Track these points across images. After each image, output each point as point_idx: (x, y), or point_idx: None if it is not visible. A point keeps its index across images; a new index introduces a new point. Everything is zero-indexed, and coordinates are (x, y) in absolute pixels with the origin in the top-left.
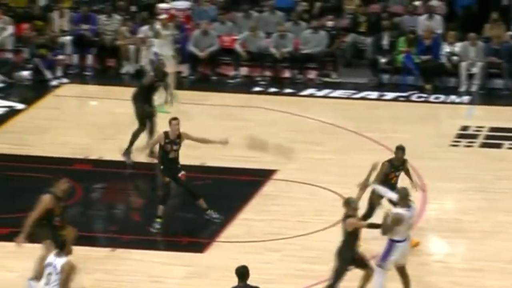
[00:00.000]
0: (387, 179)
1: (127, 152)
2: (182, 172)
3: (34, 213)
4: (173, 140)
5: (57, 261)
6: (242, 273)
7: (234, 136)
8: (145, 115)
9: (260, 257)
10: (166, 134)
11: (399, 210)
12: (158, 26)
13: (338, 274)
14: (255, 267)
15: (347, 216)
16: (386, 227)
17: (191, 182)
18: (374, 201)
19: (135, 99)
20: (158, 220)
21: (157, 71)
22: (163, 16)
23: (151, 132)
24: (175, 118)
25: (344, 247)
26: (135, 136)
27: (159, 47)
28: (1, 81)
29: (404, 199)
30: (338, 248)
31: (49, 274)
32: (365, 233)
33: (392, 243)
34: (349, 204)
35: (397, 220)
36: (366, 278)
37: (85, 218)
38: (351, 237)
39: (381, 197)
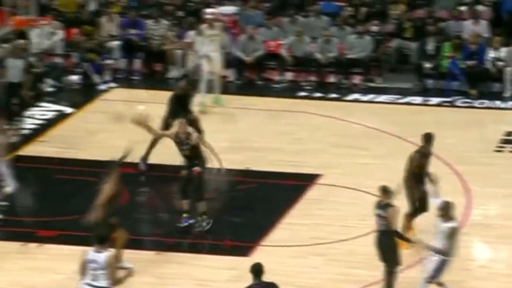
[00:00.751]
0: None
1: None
2: (196, 168)
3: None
4: (182, 140)
5: (100, 257)
6: (257, 270)
7: (279, 140)
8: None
9: (304, 261)
10: (177, 134)
11: (454, 224)
12: (203, 25)
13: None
14: (299, 271)
15: (386, 205)
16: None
17: (203, 181)
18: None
19: (168, 105)
20: (204, 216)
21: (190, 78)
22: (210, 16)
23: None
24: (181, 120)
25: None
26: (152, 143)
27: (199, 45)
28: (51, 85)
29: (447, 212)
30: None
31: (94, 270)
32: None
33: (444, 261)
34: (388, 192)
35: (454, 234)
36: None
37: (131, 221)
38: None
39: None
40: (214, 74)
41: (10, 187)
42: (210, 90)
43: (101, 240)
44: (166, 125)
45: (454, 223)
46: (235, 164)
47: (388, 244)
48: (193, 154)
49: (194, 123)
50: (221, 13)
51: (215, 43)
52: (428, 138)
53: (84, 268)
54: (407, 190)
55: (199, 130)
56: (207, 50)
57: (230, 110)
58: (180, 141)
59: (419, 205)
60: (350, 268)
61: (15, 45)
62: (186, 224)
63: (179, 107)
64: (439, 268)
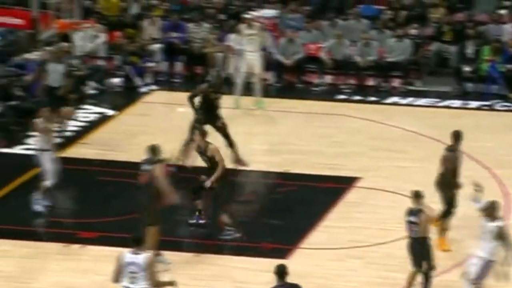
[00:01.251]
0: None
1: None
2: (203, 177)
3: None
4: (201, 151)
5: (138, 258)
6: (281, 271)
7: (318, 143)
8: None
9: (343, 264)
10: (198, 145)
11: (500, 223)
12: (242, 24)
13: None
14: (337, 274)
15: (419, 211)
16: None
17: (222, 193)
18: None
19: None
20: (228, 228)
21: (215, 80)
22: (249, 16)
23: (231, 145)
24: (201, 130)
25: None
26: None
27: (234, 43)
28: (93, 88)
29: (492, 212)
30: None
31: (133, 273)
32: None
33: (490, 262)
34: (420, 197)
35: (502, 233)
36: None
37: (171, 223)
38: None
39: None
40: (254, 75)
41: (49, 181)
42: (249, 91)
43: (138, 242)
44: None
45: (500, 222)
46: (274, 166)
47: (422, 250)
48: (211, 165)
49: (221, 130)
50: (261, 16)
51: (254, 43)
52: (457, 136)
53: (119, 271)
54: (440, 191)
55: (227, 137)
56: (245, 50)
57: (270, 113)
58: (200, 151)
59: (449, 205)
60: (388, 271)
61: (56, 49)
62: (195, 221)
63: (207, 112)
64: (484, 271)
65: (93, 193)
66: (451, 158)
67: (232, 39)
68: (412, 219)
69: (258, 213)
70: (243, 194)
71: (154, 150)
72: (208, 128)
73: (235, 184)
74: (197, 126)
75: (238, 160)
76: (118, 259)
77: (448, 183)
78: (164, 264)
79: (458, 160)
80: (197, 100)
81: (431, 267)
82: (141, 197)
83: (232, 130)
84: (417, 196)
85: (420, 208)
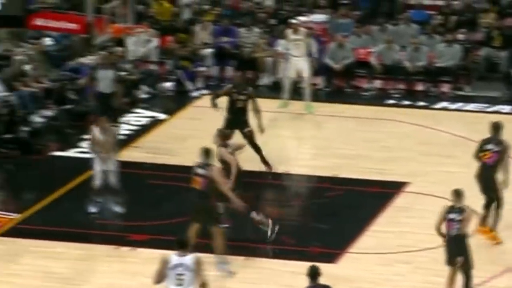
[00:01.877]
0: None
1: None
2: None
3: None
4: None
5: (185, 260)
6: (314, 272)
7: (367, 148)
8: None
9: (391, 269)
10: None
11: None
12: (288, 30)
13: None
14: (385, 278)
15: (461, 208)
16: None
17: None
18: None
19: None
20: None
21: (236, 82)
22: (295, 21)
23: (257, 151)
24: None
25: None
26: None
27: (282, 48)
28: (146, 92)
29: None
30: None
31: (180, 274)
32: None
33: None
34: (461, 195)
35: None
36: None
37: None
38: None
39: None
40: (302, 80)
41: (97, 182)
42: (298, 96)
43: (183, 244)
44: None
45: None
46: (322, 170)
47: (460, 248)
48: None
49: (247, 137)
50: (311, 21)
51: (299, 48)
52: (496, 127)
53: (162, 273)
54: (483, 183)
55: (253, 145)
56: (291, 55)
57: (318, 117)
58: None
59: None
60: (436, 276)
61: (104, 55)
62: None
63: (233, 115)
64: None
65: (144, 196)
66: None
67: (280, 44)
68: (455, 216)
69: (306, 217)
70: (291, 198)
71: (207, 153)
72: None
73: (282, 188)
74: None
75: (265, 163)
76: (163, 261)
77: (491, 177)
78: (226, 269)
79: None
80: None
81: (470, 266)
82: (198, 201)
83: (280, 134)
84: (459, 194)
85: (462, 206)
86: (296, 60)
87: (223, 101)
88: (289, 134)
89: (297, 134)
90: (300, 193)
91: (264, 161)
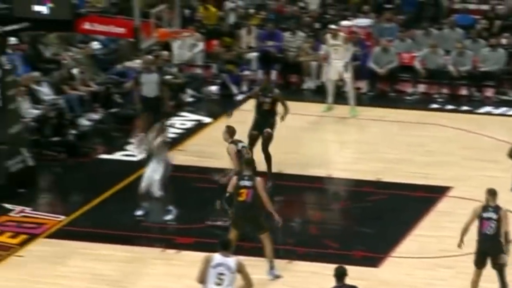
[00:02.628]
0: None
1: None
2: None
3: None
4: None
5: (228, 261)
6: (341, 273)
7: (410, 152)
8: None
9: (433, 273)
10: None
11: None
12: (327, 34)
13: None
14: (427, 283)
15: (497, 207)
16: None
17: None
18: None
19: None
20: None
21: (263, 84)
22: (334, 26)
23: (266, 158)
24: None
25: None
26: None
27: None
28: (191, 95)
29: None
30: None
31: (221, 274)
32: None
33: None
34: (496, 194)
35: None
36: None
37: None
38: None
39: None
40: (344, 83)
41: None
42: (342, 99)
43: (226, 246)
44: (251, 138)
45: None
46: (365, 175)
47: (494, 247)
48: None
49: (264, 139)
50: (355, 25)
51: (338, 53)
52: None
53: (205, 272)
54: None
55: (266, 151)
56: (332, 59)
57: (362, 121)
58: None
59: None
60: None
61: (148, 59)
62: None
63: (261, 116)
64: None
65: (190, 199)
66: None
67: (323, 48)
68: (491, 215)
69: (349, 221)
70: (334, 202)
71: (250, 164)
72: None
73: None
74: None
75: (268, 173)
76: (205, 260)
77: None
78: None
79: None
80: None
81: (504, 264)
82: (244, 213)
83: (324, 138)
84: (493, 193)
85: (497, 205)
86: (336, 63)
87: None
88: (332, 138)
89: (340, 138)
90: (343, 197)
91: (269, 171)
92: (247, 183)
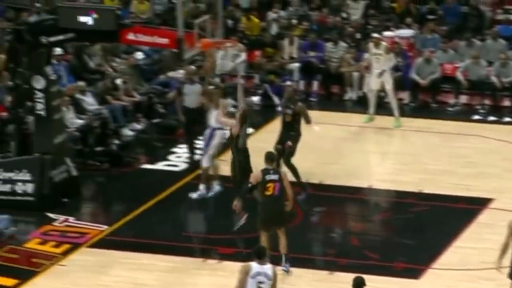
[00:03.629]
0: None
1: None
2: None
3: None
4: None
5: (265, 268)
6: (358, 283)
7: (452, 163)
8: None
9: (474, 285)
10: None
11: None
12: (369, 43)
13: None
14: None
15: None
16: None
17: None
18: None
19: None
20: None
21: (286, 96)
22: (376, 35)
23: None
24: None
25: None
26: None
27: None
28: (233, 106)
29: None
30: None
31: (261, 283)
32: None
33: None
34: None
35: None
36: None
37: (305, 241)
38: None
39: None
40: (387, 94)
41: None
42: (384, 110)
43: (261, 254)
44: (277, 152)
45: None
46: (407, 186)
47: None
48: None
49: (287, 154)
50: (398, 36)
51: (380, 62)
52: None
53: (244, 282)
54: None
55: (288, 165)
56: (374, 69)
57: (404, 132)
58: None
59: None
60: None
61: (190, 70)
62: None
63: (285, 128)
64: None
65: (231, 209)
66: None
67: (367, 59)
68: None
69: (390, 232)
70: (375, 213)
71: (272, 158)
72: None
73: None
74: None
75: (300, 186)
76: (244, 270)
77: None
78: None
79: None
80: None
81: None
82: (273, 207)
83: (365, 148)
84: None
85: None
86: (376, 73)
87: (313, 116)
88: (374, 148)
89: (382, 148)
90: (384, 208)
91: (299, 181)
92: (273, 176)
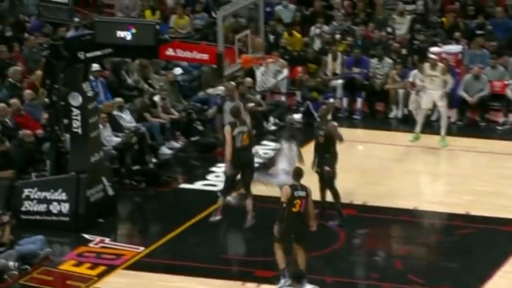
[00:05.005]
0: None
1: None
2: None
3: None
4: None
5: None
6: None
7: (500, 184)
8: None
9: None
10: None
11: None
12: (426, 63)
13: None
14: None
15: None
16: None
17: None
18: None
19: None
20: None
21: (320, 115)
22: (433, 56)
23: (322, 191)
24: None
25: None
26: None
27: (417, 80)
28: (274, 123)
29: None
30: None
31: None
32: None
33: None
34: None
35: None
36: None
37: (348, 264)
38: None
39: None
40: (439, 114)
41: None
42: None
43: (300, 278)
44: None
45: None
46: (454, 207)
47: None
48: None
49: (328, 179)
50: (445, 51)
51: (435, 83)
52: None
53: None
54: None
55: (332, 190)
56: (427, 88)
57: (451, 152)
58: None
59: None
60: None
61: (231, 87)
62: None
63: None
64: None
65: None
66: None
67: (413, 75)
68: None
69: (436, 255)
70: (421, 235)
71: (300, 174)
72: None
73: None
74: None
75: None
76: None
77: None
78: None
79: None
80: None
81: None
82: (300, 224)
83: (412, 169)
84: None
85: None
86: (431, 93)
87: (357, 135)
88: (419, 168)
89: (428, 169)
90: (430, 230)
91: (337, 208)
92: (301, 193)
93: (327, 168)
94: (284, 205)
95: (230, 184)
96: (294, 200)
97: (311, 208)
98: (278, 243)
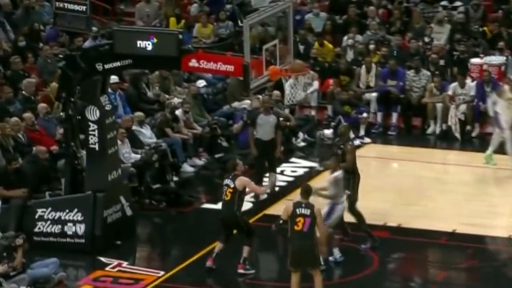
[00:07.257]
0: None
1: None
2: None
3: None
4: None
5: None
6: None
7: None
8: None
9: None
10: None
11: None
12: (505, 86)
13: None
14: None
15: None
16: None
17: None
18: None
19: None
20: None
21: (340, 133)
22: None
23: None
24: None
25: None
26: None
27: (500, 108)
28: (303, 139)
29: None
30: None
31: None
32: None
33: None
34: None
35: None
36: None
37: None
38: None
39: None
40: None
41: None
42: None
43: None
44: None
45: None
46: (495, 230)
47: None
48: None
49: (351, 203)
50: (487, 63)
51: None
52: None
53: None
54: None
55: (353, 213)
56: (507, 114)
57: (493, 171)
58: None
59: None
60: None
61: (266, 99)
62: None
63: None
64: None
65: None
66: None
67: (452, 88)
68: None
69: (476, 282)
70: (459, 260)
71: (308, 192)
72: None
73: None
74: None
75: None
76: None
77: None
78: None
79: None
80: None
81: None
82: (302, 244)
83: (450, 188)
84: None
85: None
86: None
87: (392, 152)
88: (459, 188)
89: (467, 188)
90: (470, 254)
91: (364, 230)
92: (304, 211)
93: (348, 192)
94: (281, 221)
95: None
96: (296, 218)
97: (320, 229)
98: (291, 270)
